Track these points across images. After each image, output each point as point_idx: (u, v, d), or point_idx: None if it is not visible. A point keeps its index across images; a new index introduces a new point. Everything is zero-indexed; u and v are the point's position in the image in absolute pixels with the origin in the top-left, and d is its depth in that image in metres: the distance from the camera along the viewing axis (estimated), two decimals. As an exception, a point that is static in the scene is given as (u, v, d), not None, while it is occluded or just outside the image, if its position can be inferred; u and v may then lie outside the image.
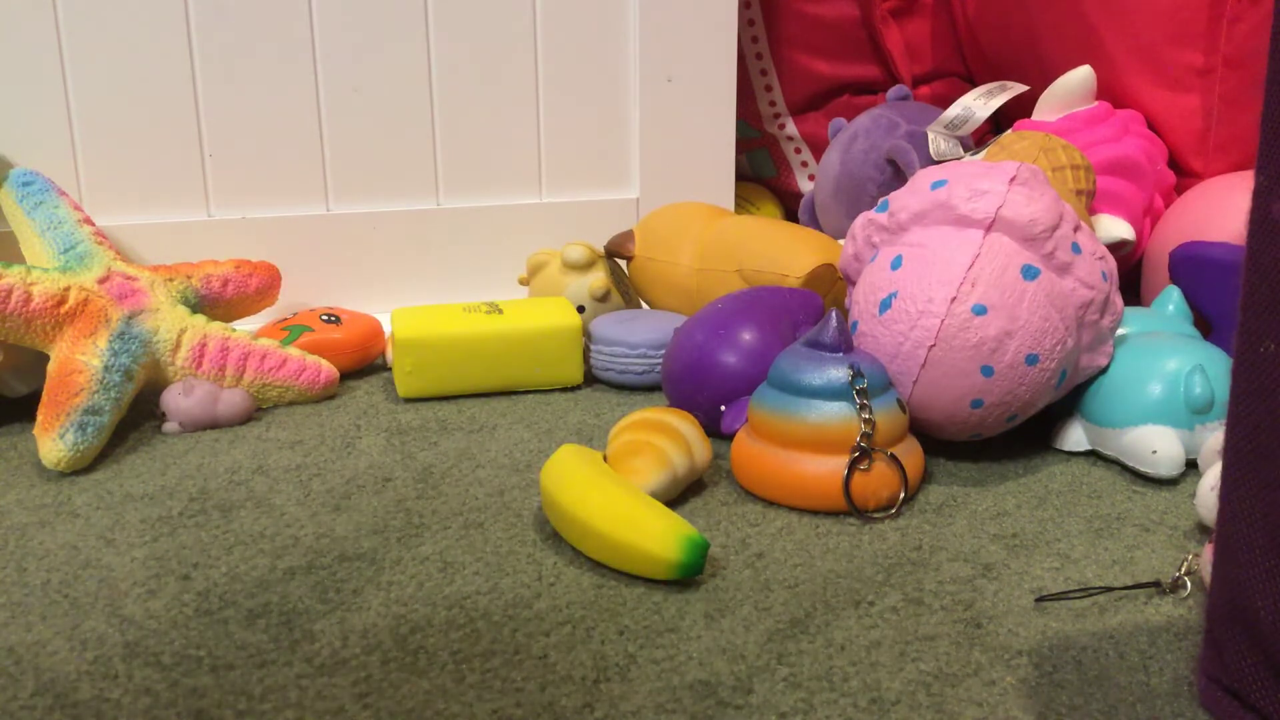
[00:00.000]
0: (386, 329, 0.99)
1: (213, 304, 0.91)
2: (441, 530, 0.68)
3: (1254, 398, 0.46)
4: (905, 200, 0.75)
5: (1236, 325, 0.46)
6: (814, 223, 1.16)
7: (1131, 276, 1.03)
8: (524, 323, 0.88)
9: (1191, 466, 0.75)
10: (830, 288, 0.89)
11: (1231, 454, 0.47)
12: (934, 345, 0.71)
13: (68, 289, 0.82)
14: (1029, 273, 0.71)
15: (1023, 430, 0.80)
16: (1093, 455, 0.78)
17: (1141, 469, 0.73)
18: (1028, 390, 0.72)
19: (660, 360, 0.89)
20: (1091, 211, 0.97)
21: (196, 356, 0.85)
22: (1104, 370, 0.76)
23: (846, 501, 0.68)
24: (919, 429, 0.76)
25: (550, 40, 1.03)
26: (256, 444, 0.80)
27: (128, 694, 0.53)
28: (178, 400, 0.82)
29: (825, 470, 0.69)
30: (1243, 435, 0.46)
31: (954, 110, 1.04)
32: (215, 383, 0.85)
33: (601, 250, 1.00)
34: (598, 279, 0.96)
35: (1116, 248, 0.96)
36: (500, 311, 0.89)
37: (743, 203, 1.26)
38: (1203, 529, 0.68)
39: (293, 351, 0.88)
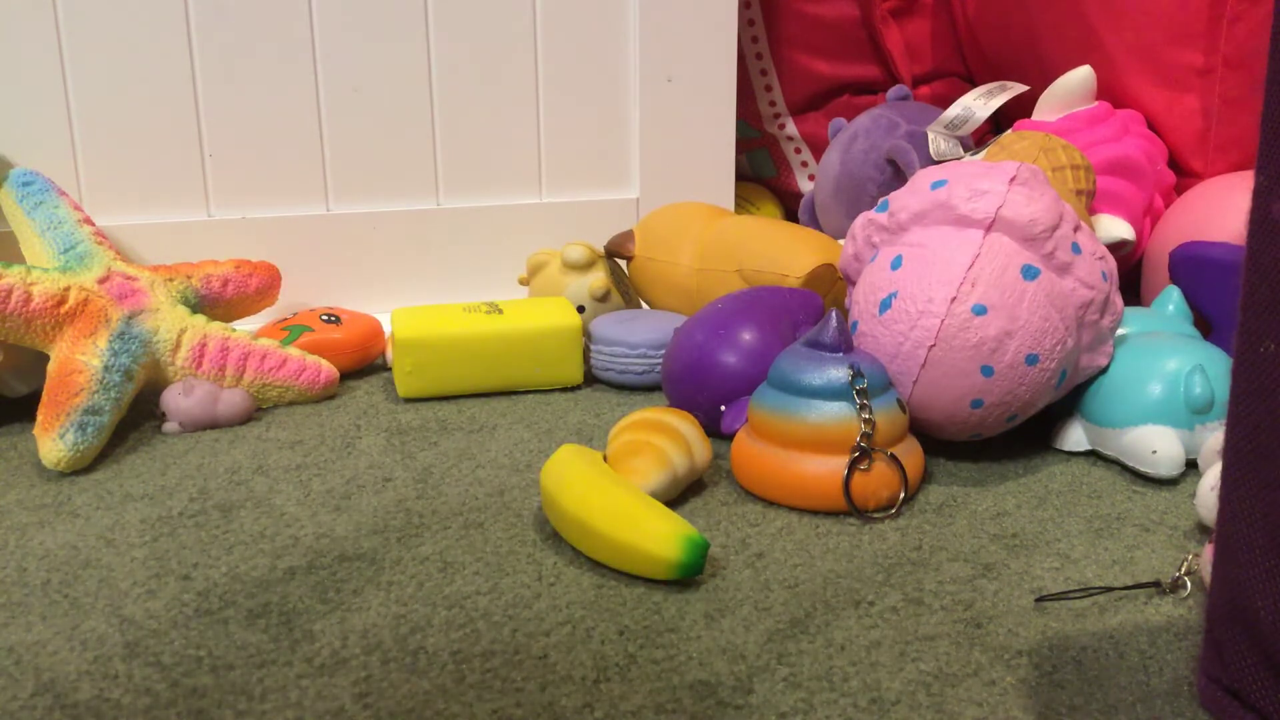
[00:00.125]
0: (386, 329, 0.99)
1: (213, 304, 0.91)
2: (441, 530, 0.68)
3: (1254, 398, 0.46)
4: (905, 200, 0.75)
5: (1236, 325, 0.46)
6: (814, 223, 1.16)
7: (1131, 276, 1.03)
8: (524, 323, 0.88)
9: (1191, 466, 0.75)
10: (830, 288, 0.89)
11: (1231, 454, 0.47)
12: (934, 345, 0.71)
13: (68, 289, 0.82)
14: (1029, 273, 0.71)
15: (1023, 430, 0.80)
16: (1093, 455, 0.78)
17: (1141, 469, 0.73)
18: (1028, 390, 0.72)
19: (660, 360, 0.89)
20: (1091, 211, 0.97)
21: (196, 356, 0.85)
22: (1104, 370, 0.76)
23: (846, 501, 0.68)
24: (919, 429, 0.76)
25: (550, 40, 1.03)
26: (256, 444, 0.80)
27: (128, 694, 0.53)
28: (178, 400, 0.82)
29: (825, 470, 0.69)
30: (1243, 435, 0.46)
31: (954, 110, 1.04)
32: (215, 383, 0.85)
33: (601, 250, 1.00)
34: (598, 279, 0.96)
35: (1116, 248, 0.96)
36: (500, 311, 0.89)
37: (743, 203, 1.26)
38: (1203, 529, 0.68)
39: (293, 351, 0.88)
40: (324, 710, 0.52)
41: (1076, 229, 0.73)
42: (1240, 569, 0.47)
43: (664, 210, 0.99)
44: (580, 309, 0.96)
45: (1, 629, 0.58)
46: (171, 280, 0.88)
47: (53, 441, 0.75)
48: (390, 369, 0.94)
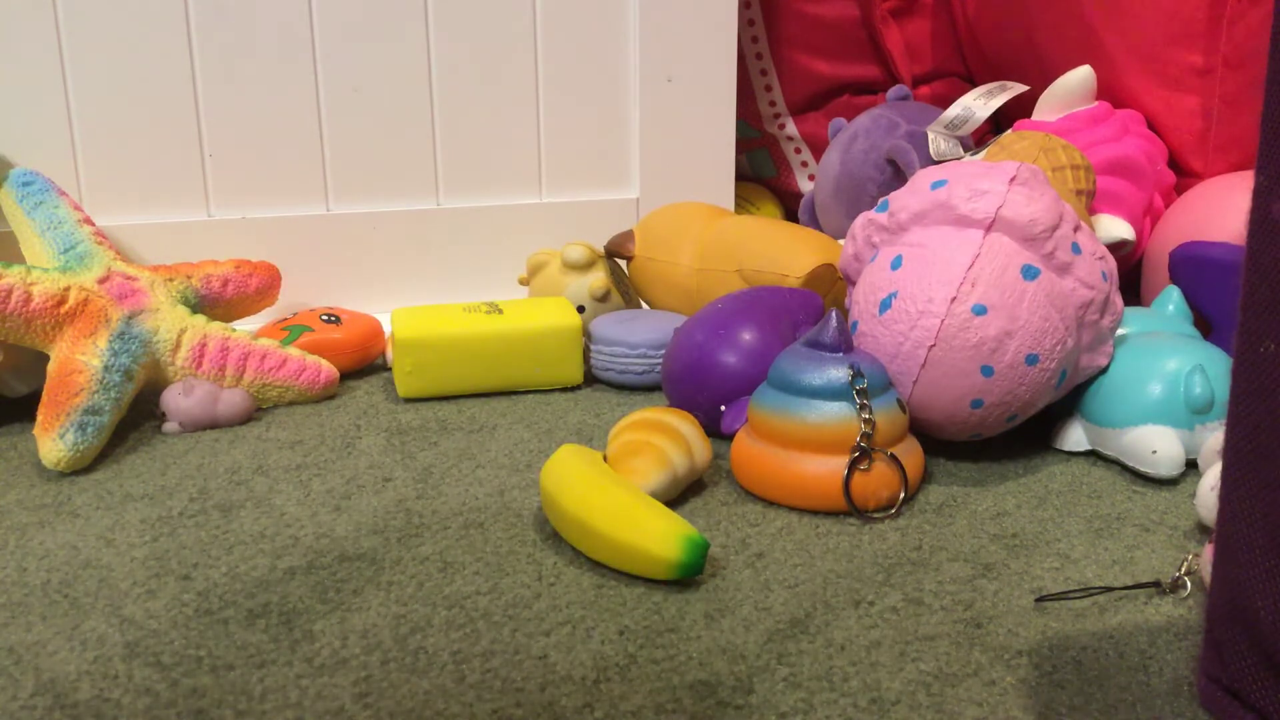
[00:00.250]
0: (386, 329, 0.99)
1: (213, 304, 0.91)
2: (441, 530, 0.68)
3: (1254, 398, 0.46)
4: (905, 200, 0.75)
5: (1236, 325, 0.46)
6: (814, 223, 1.16)
7: (1131, 276, 1.03)
8: (524, 323, 0.88)
9: (1191, 466, 0.75)
10: (830, 288, 0.89)
11: (1231, 454, 0.47)
12: (934, 345, 0.71)
13: (68, 289, 0.82)
14: (1029, 273, 0.71)
15: (1023, 430, 0.80)
16: (1093, 455, 0.78)
17: (1141, 469, 0.73)
18: (1028, 390, 0.72)
19: (660, 360, 0.89)
20: (1091, 211, 0.97)
21: (196, 356, 0.85)
22: (1104, 370, 0.76)
23: (846, 501, 0.68)
24: (919, 429, 0.76)
25: (550, 40, 1.03)
26: (256, 444, 0.80)
27: (128, 694, 0.53)
28: (178, 400, 0.82)
29: (825, 470, 0.69)
30: (1243, 435, 0.46)
31: (954, 110, 1.04)
32: (215, 383, 0.85)
33: (601, 250, 1.00)
34: (598, 279, 0.96)
35: (1116, 248, 0.96)
36: (500, 311, 0.89)
37: (743, 203, 1.26)
38: (1203, 529, 0.68)
39: (293, 351, 0.88)
40: (324, 710, 0.52)
41: (1076, 229, 0.73)
42: (1240, 569, 0.47)
43: (664, 210, 0.99)
44: (580, 309, 0.96)
45: (1, 629, 0.58)
46: (171, 280, 0.88)
47: (53, 441, 0.75)
48: (390, 369, 0.94)
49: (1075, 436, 0.77)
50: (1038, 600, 0.60)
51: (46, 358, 0.83)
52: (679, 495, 0.72)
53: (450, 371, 0.87)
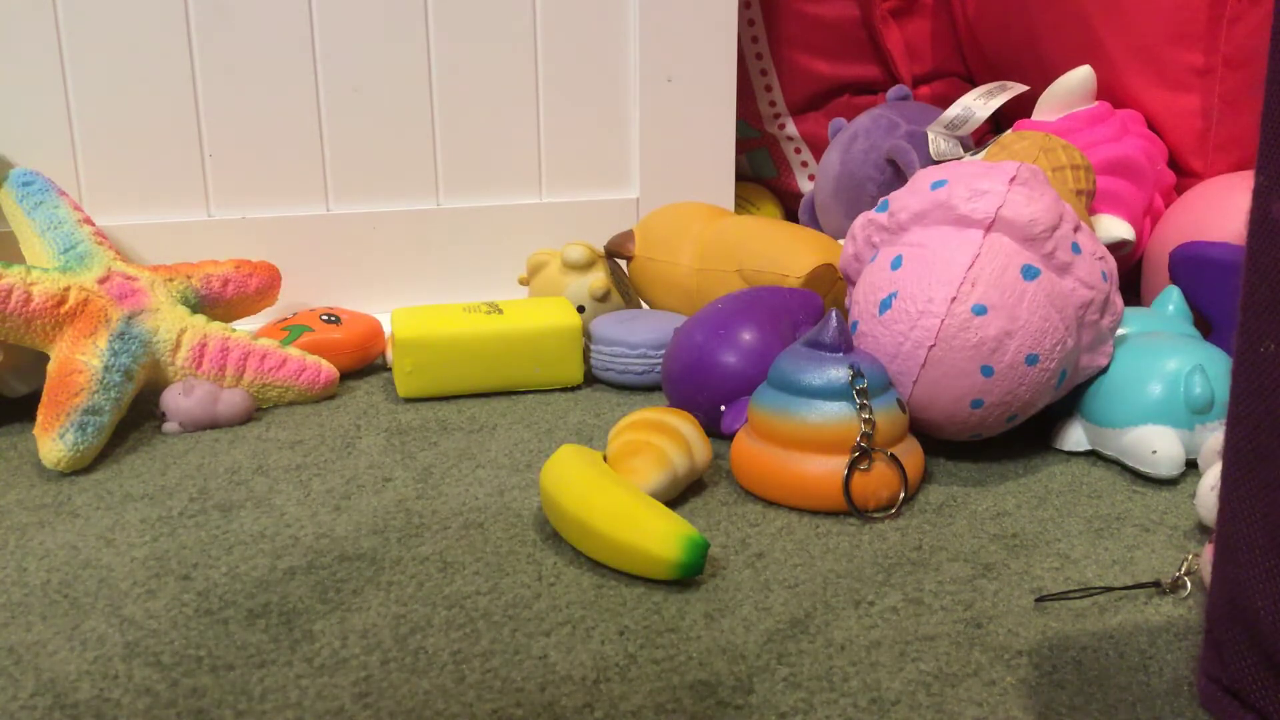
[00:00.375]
0: (386, 329, 0.99)
1: (213, 304, 0.91)
2: (441, 530, 0.68)
3: (1254, 398, 0.46)
4: (905, 200, 0.75)
5: (1236, 325, 0.46)
6: (814, 223, 1.16)
7: (1131, 276, 1.03)
8: (524, 323, 0.88)
9: (1191, 466, 0.75)
10: (830, 288, 0.89)
11: (1231, 454, 0.47)
12: (934, 345, 0.71)
13: (68, 289, 0.82)
14: (1029, 273, 0.71)
15: (1023, 430, 0.80)
16: (1093, 455, 0.78)
17: (1141, 469, 0.73)
18: (1028, 390, 0.72)
19: (660, 360, 0.89)
20: (1091, 211, 0.97)
21: (196, 356, 0.85)
22: (1104, 370, 0.76)
23: (846, 501, 0.68)
24: (919, 429, 0.76)
25: (550, 40, 1.03)
26: (256, 444, 0.80)
27: (128, 694, 0.53)
28: (178, 400, 0.82)
29: (825, 470, 0.69)
30: (1243, 435, 0.46)
31: (954, 110, 1.04)
32: (215, 383, 0.85)
33: (601, 250, 1.00)
34: (598, 279, 0.96)
35: (1116, 248, 0.96)
36: (500, 311, 0.89)
37: (743, 203, 1.26)
38: (1203, 529, 0.68)
39: (293, 351, 0.88)
40: (324, 710, 0.52)
41: (1076, 229, 0.73)
42: (1240, 569, 0.47)
43: (664, 210, 0.99)
44: (580, 309, 0.96)
45: (1, 629, 0.58)
46: (171, 280, 0.88)
47: (53, 441, 0.75)
48: (390, 369, 0.94)
49: (1075, 436, 0.77)
50: (1038, 600, 0.60)
51: (46, 358, 0.83)
52: (679, 495, 0.72)
53: (450, 371, 0.87)
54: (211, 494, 0.73)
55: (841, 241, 0.94)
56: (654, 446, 0.70)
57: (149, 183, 0.99)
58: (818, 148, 1.27)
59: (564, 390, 0.91)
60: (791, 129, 1.27)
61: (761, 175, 1.32)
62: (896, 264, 0.73)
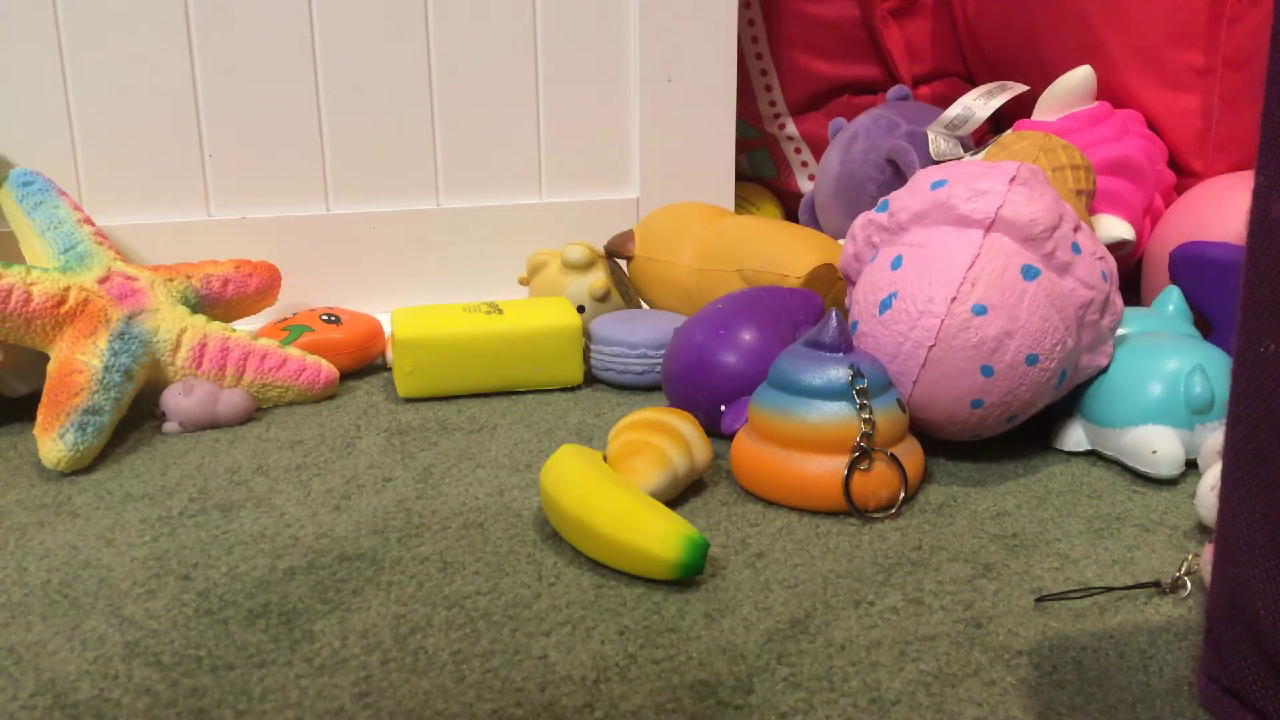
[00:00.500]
0: (386, 329, 0.99)
1: (213, 304, 0.91)
2: (441, 530, 0.68)
3: (1254, 398, 0.46)
4: (905, 200, 0.75)
5: (1236, 325, 0.46)
6: (814, 223, 1.16)
7: (1131, 276, 1.03)
8: (524, 323, 0.88)
9: (1191, 466, 0.75)
10: (830, 288, 0.89)
11: (1231, 454, 0.47)
12: (934, 345, 0.71)
13: (68, 289, 0.82)
14: (1029, 273, 0.71)
15: (1023, 430, 0.80)
16: (1093, 455, 0.78)
17: (1141, 469, 0.73)
18: (1028, 390, 0.72)
19: (660, 360, 0.89)
20: (1091, 211, 0.97)
21: (196, 356, 0.85)
22: (1104, 370, 0.76)
23: (846, 501, 0.68)
24: (919, 429, 0.76)
25: (550, 40, 1.03)
26: (256, 444, 0.80)
27: (128, 694, 0.53)
28: (178, 400, 0.82)
29: (825, 470, 0.69)
30: (1243, 435, 0.46)
31: (954, 110, 1.04)
32: (215, 383, 0.85)
33: (601, 250, 1.00)
34: (598, 279, 0.96)
35: (1116, 248, 0.96)
36: (500, 311, 0.89)
37: (743, 203, 1.26)
38: (1203, 529, 0.68)
39: (293, 351, 0.88)
40: (324, 710, 0.52)
41: (1076, 229, 0.73)
42: (1240, 569, 0.47)
43: (664, 210, 0.99)
44: (580, 309, 0.96)
45: (1, 629, 0.58)
46: (171, 280, 0.88)
47: (53, 441, 0.75)
48: (390, 369, 0.94)
49: (1075, 436, 0.77)
50: (1038, 600, 0.60)
51: (46, 358, 0.83)
52: (679, 495, 0.72)
53: (450, 371, 0.87)
54: (211, 494, 0.73)
55: (841, 241, 0.94)
56: (654, 446, 0.70)
57: (149, 183, 0.99)
58: (818, 148, 1.27)
59: (564, 390, 0.91)
60: (791, 129, 1.27)
61: (761, 175, 1.32)
62: (896, 264, 0.73)
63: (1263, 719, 0.47)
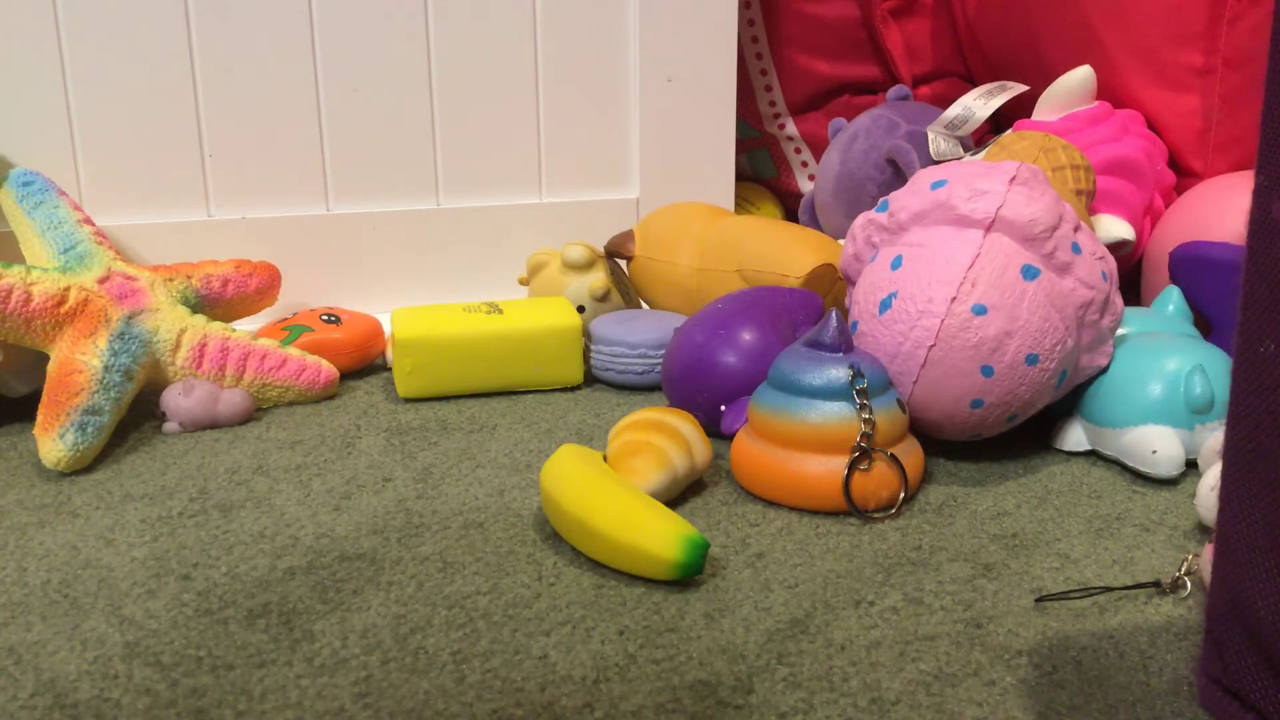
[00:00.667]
0: (386, 329, 0.99)
1: (213, 304, 0.91)
2: (441, 530, 0.68)
3: (1254, 397, 0.46)
4: (905, 200, 0.75)
5: (1236, 325, 0.46)
6: (814, 223, 1.16)
7: (1131, 276, 1.03)
8: (524, 323, 0.88)
9: (1191, 466, 0.75)
10: (830, 288, 0.89)
11: (1231, 454, 0.47)
12: (934, 345, 0.71)
13: (68, 289, 0.82)
14: (1029, 273, 0.71)
15: (1023, 430, 0.80)
16: (1093, 455, 0.78)
17: (1141, 469, 0.73)
18: (1028, 390, 0.72)
19: (660, 360, 0.89)
20: (1091, 211, 0.97)
21: (196, 356, 0.85)
22: (1104, 370, 0.76)
23: (846, 501, 0.68)
24: (919, 429, 0.76)
25: (550, 40, 1.03)
26: (256, 444, 0.80)
27: (128, 694, 0.53)
28: (178, 400, 0.82)
29: (825, 470, 0.69)
30: (1243, 435, 0.46)
31: (954, 110, 1.04)
32: (215, 383, 0.85)
33: (601, 250, 1.00)
34: (598, 279, 0.96)
35: (1116, 248, 0.96)
36: (500, 311, 0.89)
37: (743, 203, 1.26)
38: (1203, 529, 0.68)
39: (293, 351, 0.88)
40: (324, 710, 0.52)
41: (1076, 229, 0.73)
42: (1240, 569, 0.47)
43: (664, 210, 0.99)
44: (580, 309, 0.96)
45: (1, 629, 0.58)
46: (171, 280, 0.88)
47: (53, 441, 0.75)
48: (390, 369, 0.94)
49: (1075, 436, 0.77)
50: (1038, 600, 0.60)
51: (46, 358, 0.83)
52: (679, 495, 0.72)
53: (450, 371, 0.87)
54: (211, 494, 0.73)
55: (841, 241, 0.94)
56: (654, 446, 0.70)
57: (149, 183, 0.99)
58: (818, 148, 1.27)
59: (564, 390, 0.91)
60: (791, 129, 1.27)
61: (761, 175, 1.32)
62: (896, 264, 0.73)
63: (1263, 718, 0.47)
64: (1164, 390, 0.74)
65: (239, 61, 0.98)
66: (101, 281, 0.84)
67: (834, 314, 0.71)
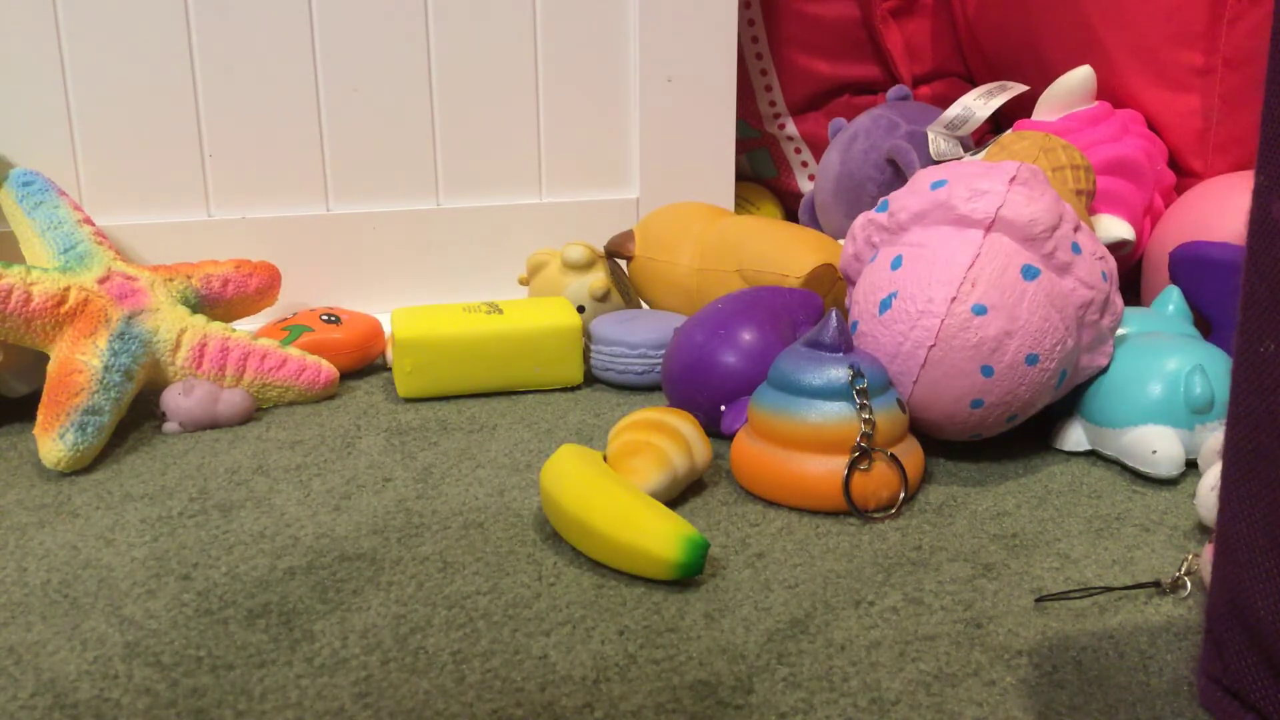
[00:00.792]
0: (386, 329, 0.99)
1: (213, 304, 0.91)
2: (441, 530, 0.68)
3: (1254, 397, 0.46)
4: (905, 200, 0.75)
5: (1236, 325, 0.46)
6: (814, 223, 1.16)
7: (1131, 276, 1.03)
8: (524, 323, 0.88)
9: (1191, 466, 0.75)
10: (830, 288, 0.89)
11: (1231, 454, 0.47)
12: (934, 345, 0.71)
13: (68, 289, 0.82)
14: (1029, 273, 0.71)
15: (1023, 430, 0.80)
16: (1093, 455, 0.78)
17: (1141, 469, 0.73)
18: (1028, 390, 0.72)
19: (660, 360, 0.89)
20: (1091, 211, 0.97)
21: (196, 356, 0.85)
22: (1104, 370, 0.76)
23: (846, 501, 0.68)
24: (919, 429, 0.76)
25: (550, 40, 1.03)
26: (256, 444, 0.80)
27: (128, 694, 0.53)
28: (178, 400, 0.82)
29: (825, 470, 0.69)
30: (1243, 435, 0.46)
31: (954, 110, 1.04)
32: (215, 383, 0.85)
33: (601, 250, 1.00)
34: (598, 279, 0.96)
35: (1116, 248, 0.96)
36: (500, 311, 0.89)
37: (743, 203, 1.26)
38: (1203, 529, 0.68)
39: (293, 351, 0.88)
40: (324, 710, 0.52)
41: (1076, 229, 0.73)
42: (1240, 569, 0.47)
43: (664, 210, 0.99)
44: (580, 309, 0.96)
45: (1, 629, 0.58)
46: (171, 280, 0.88)
47: (53, 441, 0.75)
48: (390, 369, 0.94)
49: (1075, 436, 0.77)
50: (1038, 600, 0.60)
51: (46, 358, 0.83)
52: (679, 495, 0.72)
53: (450, 371, 0.87)
54: (211, 494, 0.73)
55: (841, 241, 0.94)
56: (654, 446, 0.70)
57: (149, 183, 0.99)
58: (818, 148, 1.27)
59: (564, 390, 0.91)
60: (791, 129, 1.27)
61: (761, 175, 1.32)
62: (896, 264, 0.73)
63: (1263, 718, 0.47)
64: (1164, 390, 0.74)
65: (239, 61, 0.98)
66: (101, 281, 0.84)
67: (834, 314, 0.71)
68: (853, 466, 0.68)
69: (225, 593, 0.61)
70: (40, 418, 0.77)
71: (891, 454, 0.69)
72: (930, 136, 1.03)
